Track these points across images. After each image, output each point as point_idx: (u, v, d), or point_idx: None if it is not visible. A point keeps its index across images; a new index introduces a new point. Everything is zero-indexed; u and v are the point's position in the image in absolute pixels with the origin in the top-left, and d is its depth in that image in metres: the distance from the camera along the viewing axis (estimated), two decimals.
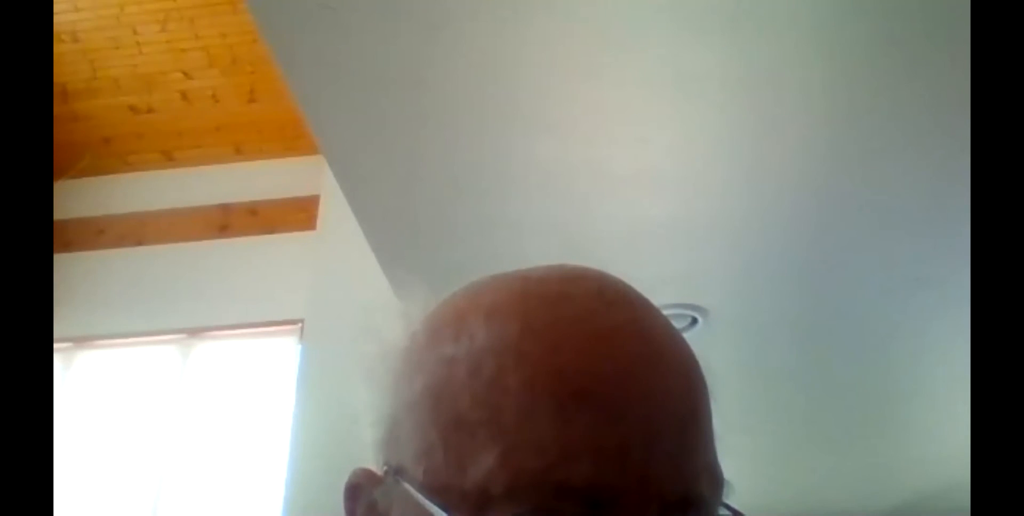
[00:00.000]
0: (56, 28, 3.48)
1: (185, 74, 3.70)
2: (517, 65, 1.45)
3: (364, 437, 0.57)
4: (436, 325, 0.55)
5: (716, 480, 0.50)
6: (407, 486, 0.51)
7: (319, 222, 3.42)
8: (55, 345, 3.08)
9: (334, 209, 3.17)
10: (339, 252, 3.07)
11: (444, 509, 0.48)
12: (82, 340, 3.55)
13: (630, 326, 0.51)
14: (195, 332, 3.57)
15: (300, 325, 3.33)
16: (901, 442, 2.80)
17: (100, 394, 3.51)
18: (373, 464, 0.56)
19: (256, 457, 3.27)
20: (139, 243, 3.76)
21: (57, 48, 3.53)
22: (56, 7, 3.37)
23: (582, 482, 0.46)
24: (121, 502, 3.31)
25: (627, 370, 0.49)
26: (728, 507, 0.51)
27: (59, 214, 3.58)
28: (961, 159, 1.55)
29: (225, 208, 3.77)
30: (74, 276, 3.53)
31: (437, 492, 0.49)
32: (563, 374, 0.48)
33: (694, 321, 2.08)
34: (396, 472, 0.52)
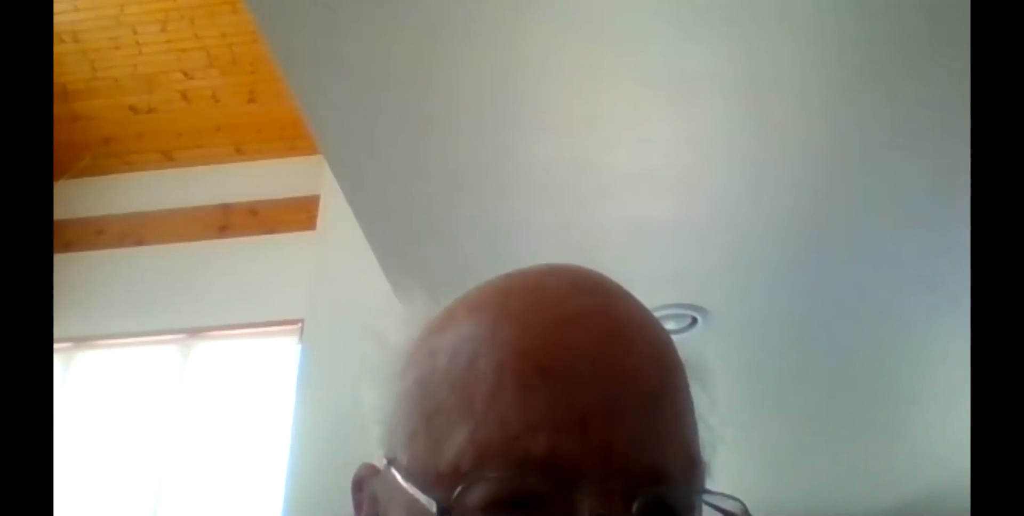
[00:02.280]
0: (56, 28, 3.48)
1: (185, 74, 3.70)
2: (517, 65, 1.45)
3: (369, 434, 0.58)
4: (429, 324, 0.57)
5: (689, 460, 0.51)
6: (395, 473, 0.52)
7: (319, 222, 3.42)
8: (55, 345, 3.08)
9: (334, 209, 3.17)
10: (339, 252, 3.06)
11: (422, 491, 0.49)
12: (82, 340, 3.55)
13: (600, 310, 0.52)
14: (195, 332, 3.57)
15: (300, 325, 3.33)
16: (901, 442, 2.79)
17: (100, 394, 3.51)
18: (377, 459, 0.57)
19: (256, 457, 3.27)
20: (139, 243, 3.76)
21: (57, 48, 3.53)
22: (56, 7, 3.37)
23: (542, 452, 0.47)
24: (121, 502, 3.31)
25: (591, 347, 0.50)
26: (711, 492, 0.51)
27: (59, 214, 3.58)
28: (961, 159, 1.55)
29: (225, 208, 3.77)
30: (74, 276, 3.53)
31: (418, 476, 0.50)
32: (529, 354, 0.50)
33: (694, 321, 2.07)
34: (390, 463, 0.54)
